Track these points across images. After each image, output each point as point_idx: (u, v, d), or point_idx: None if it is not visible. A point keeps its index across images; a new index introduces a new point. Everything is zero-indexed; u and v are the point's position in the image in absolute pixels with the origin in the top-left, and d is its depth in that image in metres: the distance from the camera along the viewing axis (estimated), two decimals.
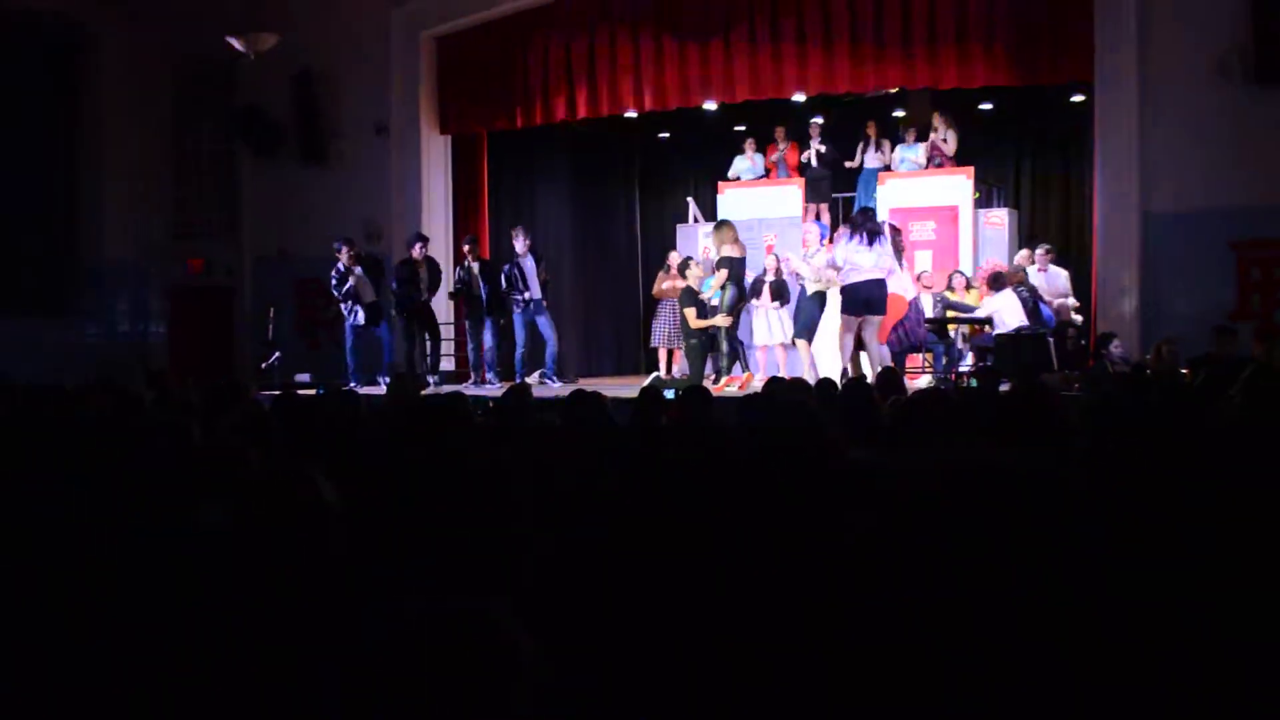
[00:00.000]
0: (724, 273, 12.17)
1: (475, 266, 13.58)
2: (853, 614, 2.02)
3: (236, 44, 13.34)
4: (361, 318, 13.48)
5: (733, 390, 11.43)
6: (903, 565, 1.81)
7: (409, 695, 1.50)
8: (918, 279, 13.02)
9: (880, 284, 11.45)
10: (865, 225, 11.54)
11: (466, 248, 13.73)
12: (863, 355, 11.72)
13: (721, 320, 12.03)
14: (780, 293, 12.91)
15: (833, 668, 2.07)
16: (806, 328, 12.24)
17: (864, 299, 11.37)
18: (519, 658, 1.56)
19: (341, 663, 1.56)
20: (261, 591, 2.71)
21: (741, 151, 15.86)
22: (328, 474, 3.07)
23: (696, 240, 14.88)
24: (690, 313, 12.08)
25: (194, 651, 2.55)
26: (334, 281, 13.48)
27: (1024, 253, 13.35)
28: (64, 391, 8.31)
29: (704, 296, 12.20)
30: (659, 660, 2.54)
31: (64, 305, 16.65)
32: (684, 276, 12.49)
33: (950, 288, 13.17)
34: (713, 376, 12.40)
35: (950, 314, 12.74)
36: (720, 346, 12.26)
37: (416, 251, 13.56)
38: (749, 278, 12.86)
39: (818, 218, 14.49)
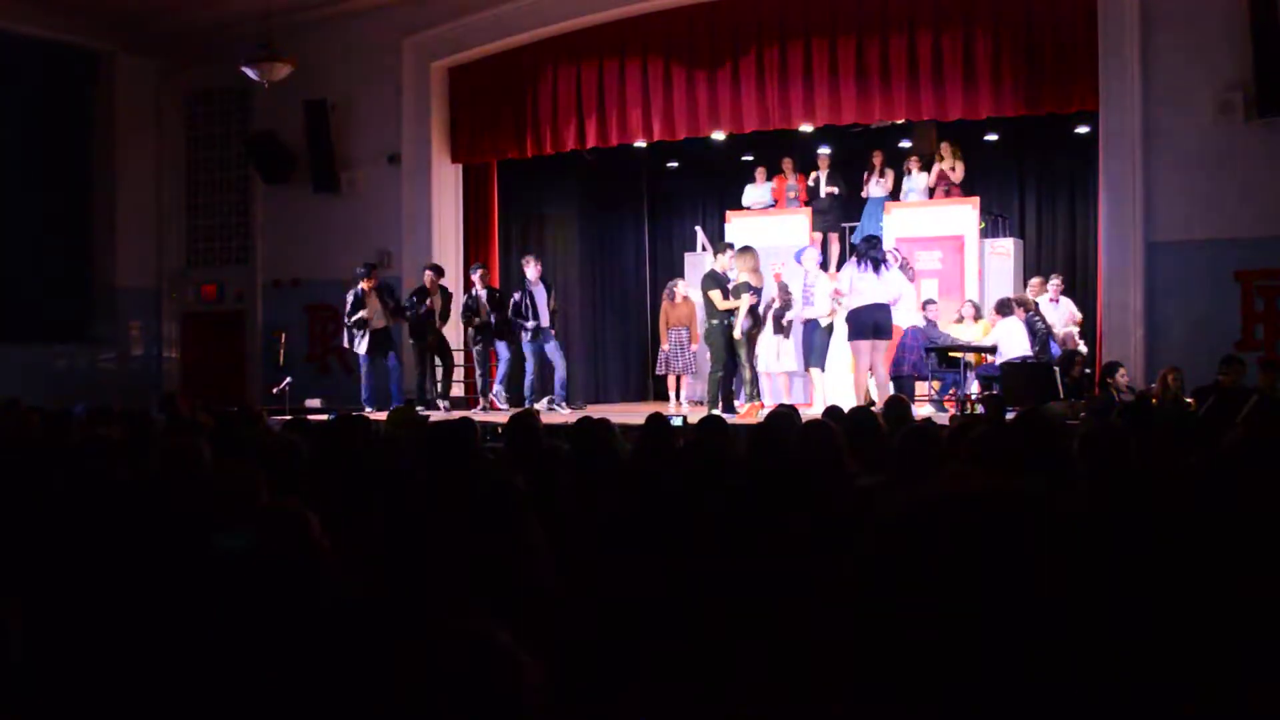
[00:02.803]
0: (748, 298, 12.25)
1: (483, 294, 13.70)
2: (852, 640, 2.06)
3: (251, 73, 13.47)
4: (364, 345, 13.61)
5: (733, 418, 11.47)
6: (904, 592, 1.85)
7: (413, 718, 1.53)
8: (923, 307, 13.09)
9: (885, 309, 11.55)
10: (869, 253, 11.64)
11: (475, 275, 13.85)
12: (869, 381, 11.78)
13: (746, 301, 12.12)
14: (783, 320, 12.98)
15: (832, 691, 2.11)
16: (819, 356, 12.29)
17: (871, 324, 11.45)
18: (522, 681, 1.58)
19: (347, 685, 1.58)
20: (273, 617, 2.76)
21: (753, 180, 15.94)
22: (340, 499, 3.13)
23: (704, 269, 14.95)
24: (716, 295, 12.17)
25: (202, 673, 2.60)
26: (350, 304, 13.64)
27: (1035, 281, 13.43)
28: (78, 415, 8.40)
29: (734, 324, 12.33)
30: (664, 681, 2.59)
31: (79, 331, 16.78)
32: (714, 256, 12.53)
33: (960, 318, 13.23)
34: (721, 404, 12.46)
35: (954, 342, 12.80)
36: (744, 373, 12.31)
37: (429, 280, 13.71)
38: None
39: (824, 246, 14.55)
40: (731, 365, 12.30)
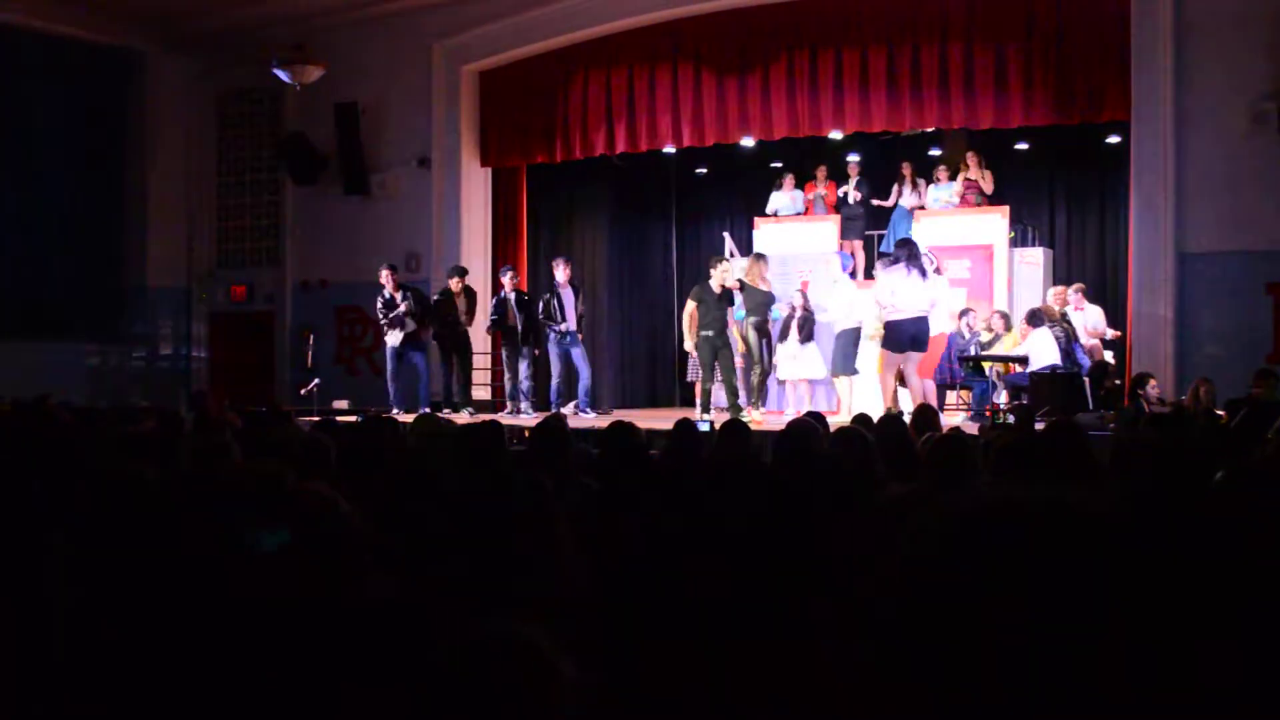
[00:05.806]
0: (781, 306, 12.41)
1: (512, 297, 13.67)
2: (881, 650, 2.04)
3: (282, 75, 13.56)
4: (397, 340, 13.63)
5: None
6: (936, 604, 1.83)
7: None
8: (960, 315, 12.99)
9: (925, 320, 11.40)
10: (913, 258, 11.47)
11: (505, 278, 13.83)
12: (902, 391, 11.69)
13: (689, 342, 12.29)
14: (806, 328, 12.95)
15: (860, 701, 2.10)
16: (846, 363, 12.22)
17: (911, 335, 11.30)
18: (558, 683, 1.58)
19: (382, 688, 1.58)
20: (304, 614, 2.76)
21: (779, 186, 15.89)
22: (369, 499, 3.13)
23: (732, 275, 14.91)
24: (690, 307, 12.25)
25: (233, 672, 2.60)
26: (380, 305, 13.64)
27: (1056, 290, 13.25)
28: (107, 412, 8.45)
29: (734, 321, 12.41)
30: (694, 685, 2.58)
31: (110, 330, 16.90)
32: (710, 269, 12.53)
33: (989, 328, 13.08)
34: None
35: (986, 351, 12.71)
36: (733, 381, 12.31)
37: (455, 284, 13.70)
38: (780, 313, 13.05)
39: (850, 254, 14.51)
40: (710, 374, 12.32)
